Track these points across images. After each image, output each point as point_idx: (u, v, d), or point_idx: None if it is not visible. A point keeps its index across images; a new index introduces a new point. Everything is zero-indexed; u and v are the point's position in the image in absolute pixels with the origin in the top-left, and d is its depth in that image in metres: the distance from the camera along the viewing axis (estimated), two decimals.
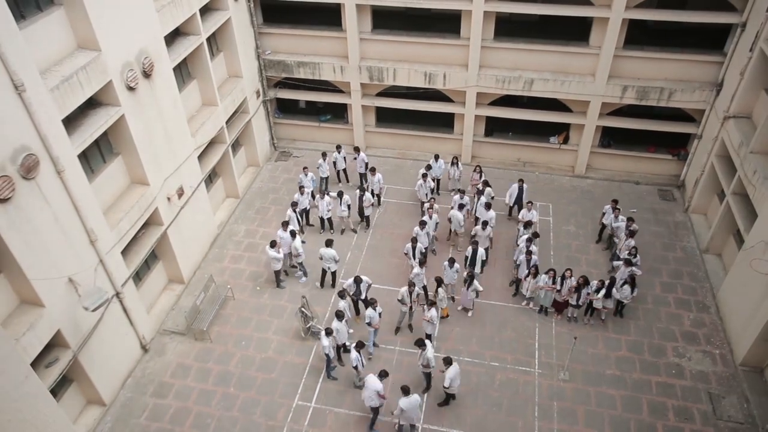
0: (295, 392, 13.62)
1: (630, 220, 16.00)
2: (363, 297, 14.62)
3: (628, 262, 14.68)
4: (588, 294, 14.25)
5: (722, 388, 13.44)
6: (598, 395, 13.38)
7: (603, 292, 14.18)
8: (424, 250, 15.90)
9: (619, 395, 13.36)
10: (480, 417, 12.99)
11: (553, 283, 14.45)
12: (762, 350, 13.33)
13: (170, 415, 13.18)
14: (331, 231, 18.05)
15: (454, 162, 18.75)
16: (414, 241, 15.57)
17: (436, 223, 16.62)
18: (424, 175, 17.86)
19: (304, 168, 18.34)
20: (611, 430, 12.69)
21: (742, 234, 14.54)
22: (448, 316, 15.07)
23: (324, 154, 19.01)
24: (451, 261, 14.80)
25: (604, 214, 16.81)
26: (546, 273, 14.58)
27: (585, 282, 14.21)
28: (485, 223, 16.02)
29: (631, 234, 15.53)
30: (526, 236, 15.61)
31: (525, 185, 17.40)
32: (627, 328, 14.84)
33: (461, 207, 16.75)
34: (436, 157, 18.76)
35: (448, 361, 12.39)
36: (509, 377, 13.80)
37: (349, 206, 17.36)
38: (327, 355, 13.21)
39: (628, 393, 13.39)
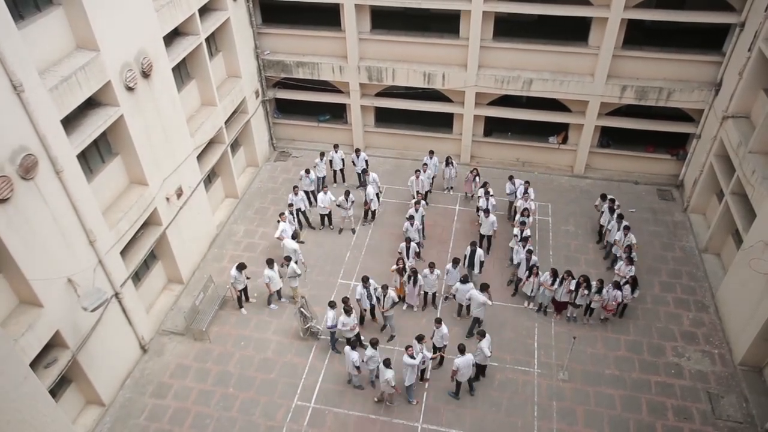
0: (294, 392, 13.61)
1: (620, 217, 16.05)
2: (374, 302, 14.42)
3: (630, 260, 14.70)
4: (587, 294, 14.23)
5: (721, 387, 13.46)
6: (597, 395, 13.39)
7: (606, 291, 14.18)
8: (418, 250, 15.95)
9: (618, 395, 13.37)
10: (479, 417, 12.99)
11: (552, 283, 14.45)
12: (761, 350, 13.34)
13: (169, 416, 13.17)
14: (331, 227, 18.08)
15: (449, 162, 18.77)
16: (408, 240, 15.61)
17: (422, 216, 16.73)
18: (417, 171, 17.91)
19: (307, 170, 18.35)
20: (610, 430, 12.70)
21: (741, 234, 14.56)
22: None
23: (322, 154, 19.02)
24: (455, 262, 14.81)
25: (602, 213, 16.83)
26: (549, 271, 14.57)
27: (585, 281, 14.18)
28: (487, 211, 16.31)
29: (627, 229, 15.57)
30: (519, 234, 15.76)
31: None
32: (626, 328, 14.86)
33: (487, 212, 16.49)
34: (431, 154, 18.80)
35: (481, 334, 12.92)
36: (508, 377, 13.80)
37: (353, 202, 17.42)
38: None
39: (627, 393, 13.40)
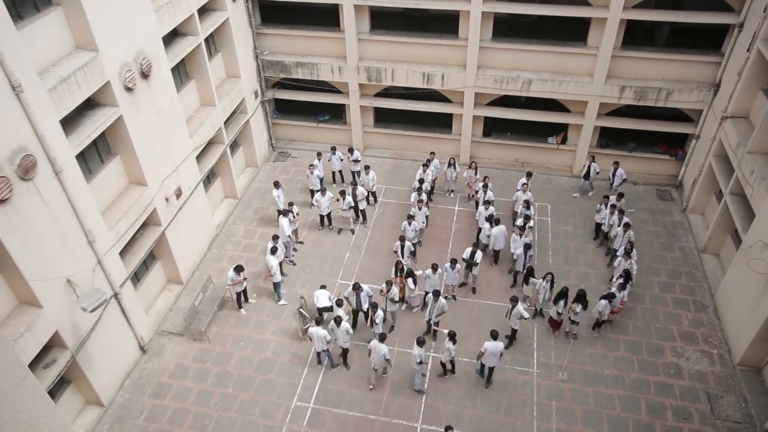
0: (293, 392, 13.61)
1: (621, 213, 16.09)
2: (364, 308, 14.37)
3: (629, 255, 14.70)
4: (578, 313, 13.91)
5: (720, 387, 13.47)
6: (596, 395, 13.39)
7: (609, 297, 14.04)
8: (413, 248, 15.97)
9: (617, 395, 13.37)
10: (478, 417, 13.00)
11: (550, 292, 14.32)
12: (760, 350, 13.35)
13: (168, 416, 13.17)
14: (330, 227, 18.09)
15: (451, 163, 18.78)
16: (402, 239, 15.63)
17: (426, 216, 16.91)
18: (421, 181, 17.94)
19: (310, 166, 18.39)
20: (610, 430, 12.70)
21: (740, 234, 14.57)
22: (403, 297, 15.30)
23: (319, 154, 19.01)
24: (453, 262, 14.82)
25: (598, 212, 16.84)
26: (543, 278, 14.40)
27: (581, 300, 13.84)
28: (487, 203, 16.63)
29: (627, 227, 15.58)
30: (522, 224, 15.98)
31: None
32: (625, 328, 14.86)
33: (487, 203, 16.76)
34: (432, 155, 18.81)
35: (515, 300, 13.73)
36: (507, 377, 13.81)
37: (351, 206, 17.43)
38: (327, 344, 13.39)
39: (626, 393, 13.41)
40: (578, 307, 13.82)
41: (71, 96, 11.32)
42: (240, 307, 15.50)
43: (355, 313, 14.67)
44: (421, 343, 12.64)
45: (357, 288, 14.05)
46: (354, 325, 14.65)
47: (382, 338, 12.88)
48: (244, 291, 15.33)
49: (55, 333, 11.41)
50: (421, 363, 12.84)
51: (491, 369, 13.36)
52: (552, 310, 14.37)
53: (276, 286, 15.55)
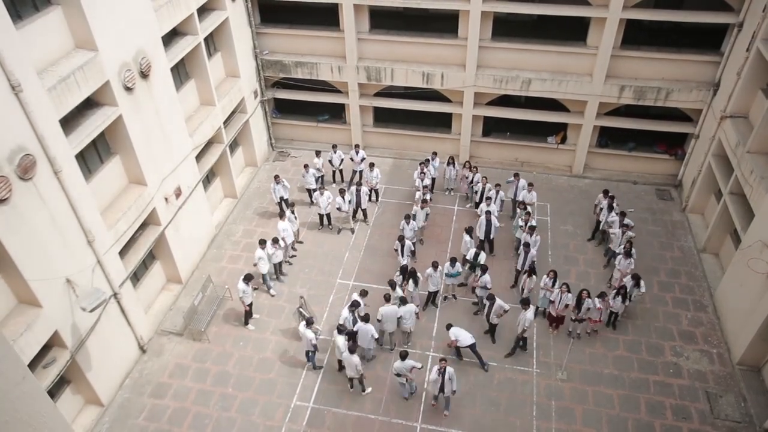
0: (293, 392, 13.62)
1: (623, 214, 16.06)
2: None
3: (628, 254, 14.69)
4: (591, 309, 13.89)
5: (720, 387, 13.48)
6: (596, 394, 13.40)
7: (618, 299, 14.05)
8: (413, 248, 15.97)
9: (617, 394, 13.38)
10: (478, 416, 13.01)
11: (552, 285, 14.23)
12: (759, 349, 13.36)
13: (168, 416, 13.17)
14: (330, 227, 18.08)
15: (450, 162, 18.79)
16: (401, 238, 15.64)
17: (427, 214, 16.97)
18: (421, 164, 18.12)
19: (305, 165, 18.42)
20: (609, 430, 12.71)
21: (739, 233, 14.58)
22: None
23: (318, 153, 19.03)
24: (453, 260, 14.83)
25: (601, 209, 16.76)
26: (546, 275, 14.45)
27: (588, 295, 13.85)
28: (489, 199, 16.70)
29: (626, 227, 15.57)
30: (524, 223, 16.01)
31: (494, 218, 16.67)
32: (625, 328, 14.87)
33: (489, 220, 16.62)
34: (434, 155, 18.80)
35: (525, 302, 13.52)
36: (507, 377, 13.81)
37: (350, 202, 17.46)
38: (314, 346, 13.38)
39: (626, 392, 13.42)
40: (592, 303, 13.82)
41: (71, 95, 11.32)
42: (247, 323, 15.08)
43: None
44: (403, 356, 12.46)
45: (355, 305, 13.84)
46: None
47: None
48: (250, 304, 14.94)
49: (55, 333, 11.41)
50: (399, 375, 12.70)
51: (473, 348, 13.48)
52: (550, 304, 14.34)
53: (264, 277, 15.61)
